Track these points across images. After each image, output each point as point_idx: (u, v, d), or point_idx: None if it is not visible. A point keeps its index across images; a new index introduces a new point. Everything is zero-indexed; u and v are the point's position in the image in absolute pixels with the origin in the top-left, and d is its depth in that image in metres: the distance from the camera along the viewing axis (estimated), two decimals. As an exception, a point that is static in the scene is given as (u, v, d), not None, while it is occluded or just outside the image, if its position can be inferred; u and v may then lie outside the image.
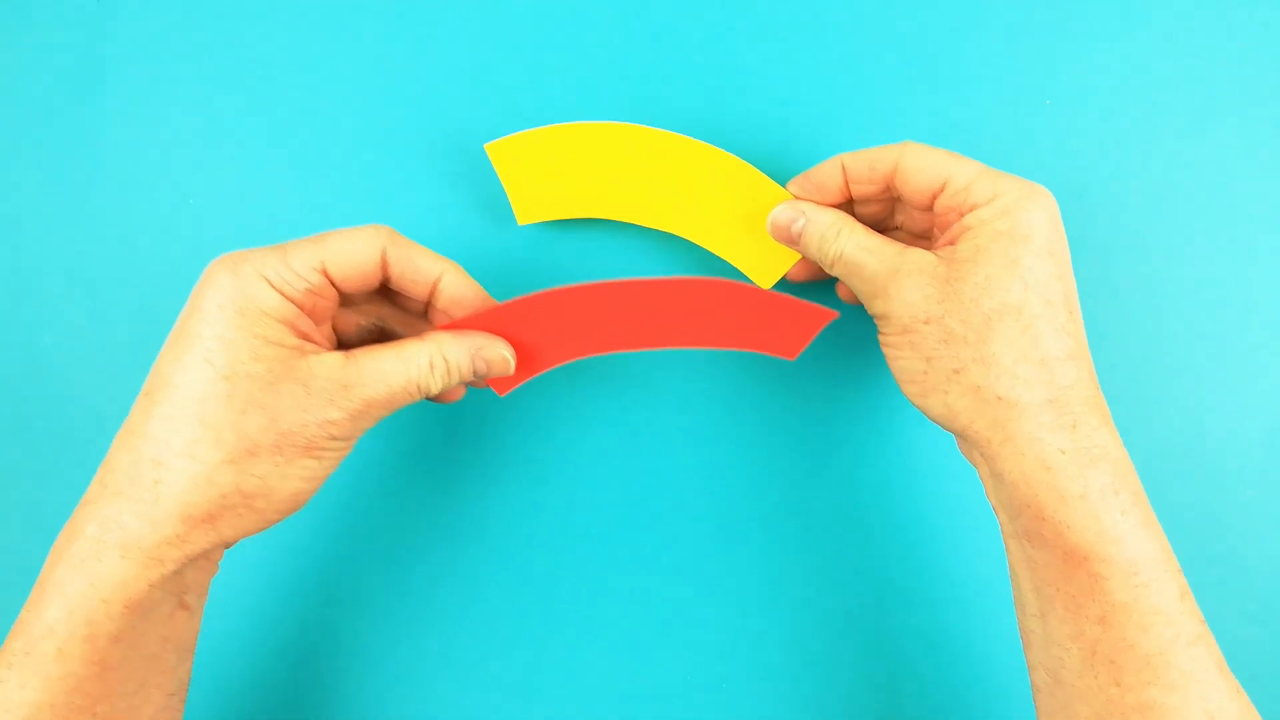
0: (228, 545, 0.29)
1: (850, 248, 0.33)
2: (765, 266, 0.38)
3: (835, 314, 0.34)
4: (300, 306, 0.29)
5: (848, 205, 0.36)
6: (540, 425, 0.40)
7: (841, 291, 0.38)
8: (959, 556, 0.39)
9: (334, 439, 0.29)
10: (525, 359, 0.34)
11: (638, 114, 0.40)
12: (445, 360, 0.31)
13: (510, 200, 0.38)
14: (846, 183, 0.34)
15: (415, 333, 0.34)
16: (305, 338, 0.29)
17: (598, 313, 0.33)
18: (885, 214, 0.36)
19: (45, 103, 0.41)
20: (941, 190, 0.32)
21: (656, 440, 0.40)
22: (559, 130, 0.37)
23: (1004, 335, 0.29)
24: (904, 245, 0.32)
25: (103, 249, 0.41)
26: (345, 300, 0.32)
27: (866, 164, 0.33)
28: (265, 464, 0.28)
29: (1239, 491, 0.39)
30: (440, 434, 0.41)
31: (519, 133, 0.37)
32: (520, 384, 0.35)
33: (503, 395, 0.35)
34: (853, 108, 0.40)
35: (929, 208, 0.33)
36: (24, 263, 0.41)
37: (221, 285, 0.28)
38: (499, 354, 0.33)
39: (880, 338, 0.33)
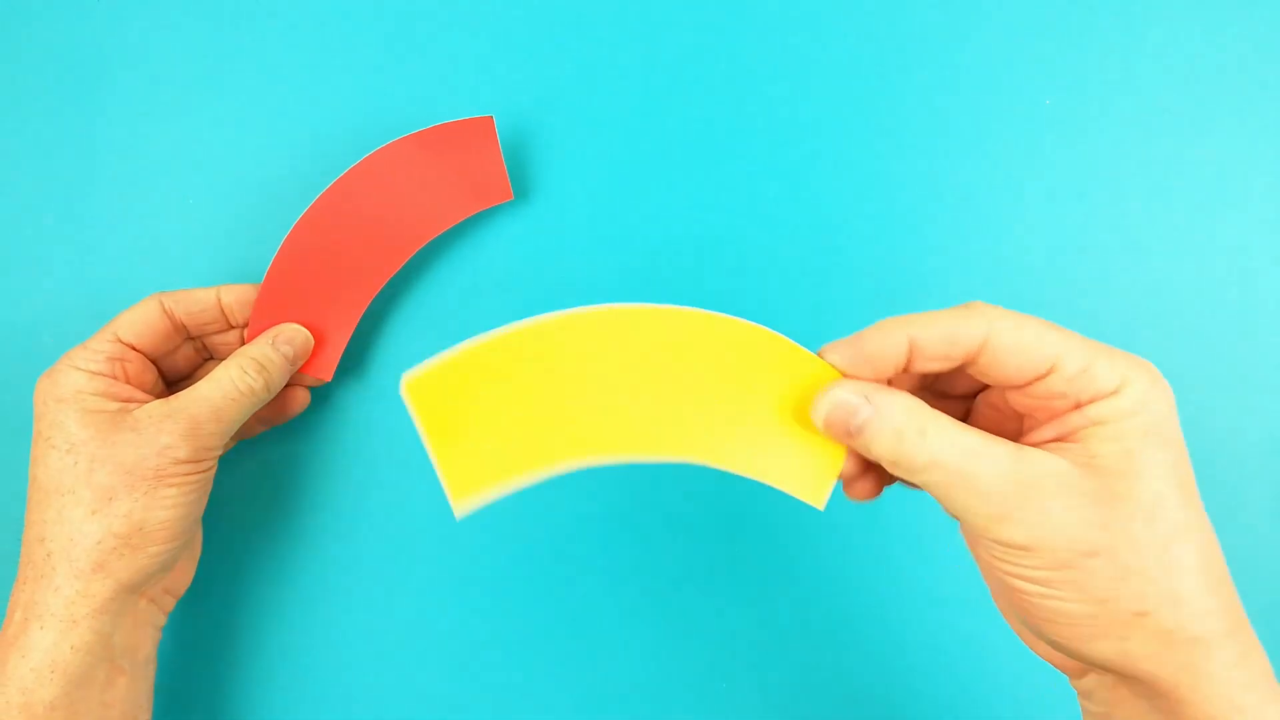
0: (132, 589, 0.32)
1: (947, 452, 0.25)
2: (811, 475, 0.27)
3: (489, 119, 0.36)
4: (110, 376, 0.33)
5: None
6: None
7: (856, 491, 0.29)
8: (960, 555, 0.39)
9: (179, 462, 0.32)
10: (325, 328, 0.38)
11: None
12: (251, 359, 0.35)
13: (443, 479, 0.25)
14: (911, 358, 0.26)
15: None
16: (127, 399, 0.33)
17: (336, 240, 0.37)
18: (921, 382, 0.30)
19: (45, 103, 0.41)
20: (1048, 374, 0.25)
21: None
22: (491, 342, 0.25)
23: (1188, 564, 0.24)
24: (1012, 443, 0.25)
25: (102, 249, 0.41)
26: (159, 359, 0.36)
27: (944, 338, 0.26)
28: (125, 503, 0.32)
29: (1240, 492, 0.39)
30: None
31: (437, 360, 0.25)
32: (338, 358, 0.38)
33: (329, 379, 0.38)
34: (850, 107, 0.40)
35: (1017, 388, 0.26)
36: (24, 263, 0.41)
37: (41, 388, 0.33)
38: (294, 332, 0.37)
39: (1004, 567, 0.25)
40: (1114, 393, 0.25)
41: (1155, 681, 0.25)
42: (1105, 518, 0.24)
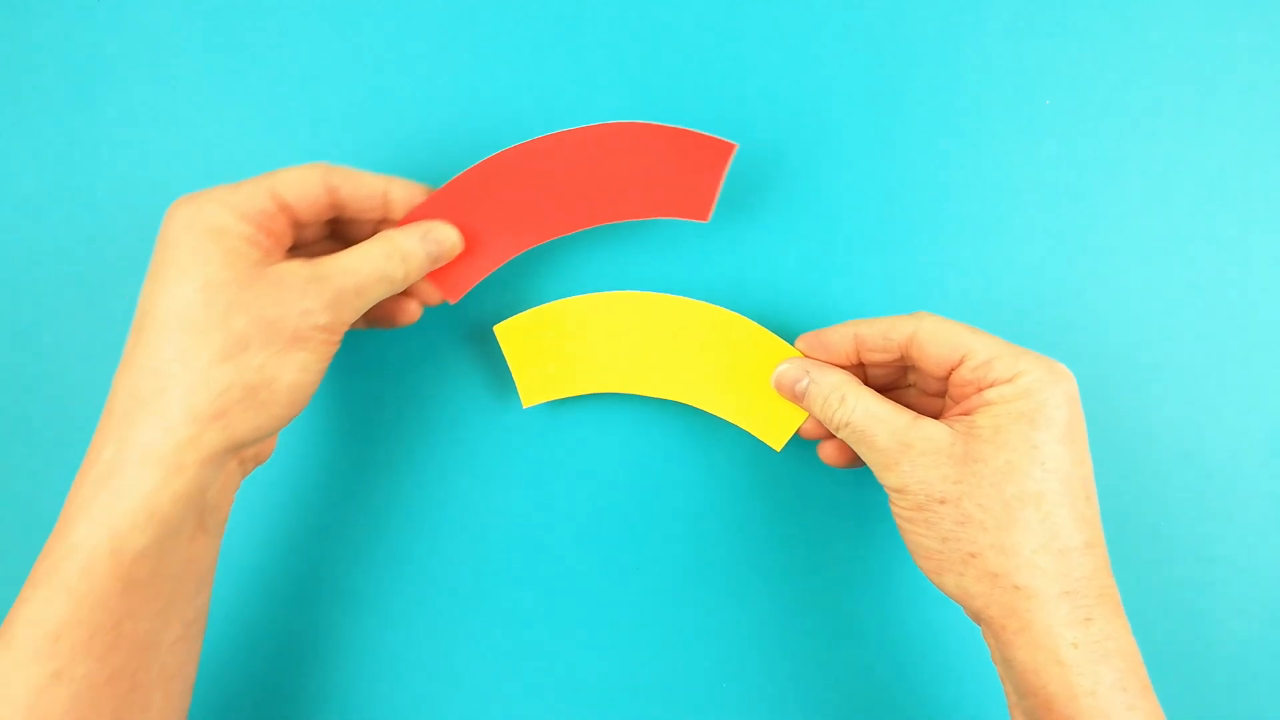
0: (241, 446, 0.30)
1: (859, 415, 0.32)
2: (775, 426, 0.37)
3: (734, 146, 0.36)
4: (257, 226, 0.31)
5: (859, 368, 0.36)
6: (541, 438, 0.41)
7: (824, 453, 0.37)
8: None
9: (317, 328, 0.31)
10: (474, 252, 0.37)
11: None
12: (398, 246, 0.33)
13: (516, 383, 0.38)
14: (858, 350, 0.34)
15: None
16: (266, 254, 0.31)
17: (527, 182, 0.37)
18: (898, 376, 0.36)
19: (45, 102, 0.41)
20: (960, 363, 0.32)
21: (657, 451, 0.40)
22: (566, 305, 0.38)
23: (1024, 523, 0.29)
24: (914, 414, 0.32)
25: (103, 248, 0.41)
26: (300, 231, 0.34)
27: (881, 333, 0.33)
28: (260, 355, 0.29)
29: (1239, 492, 0.39)
30: (448, 439, 0.41)
31: (527, 311, 0.38)
32: (473, 285, 0.37)
33: (455, 301, 0.38)
34: (852, 106, 0.40)
35: (945, 378, 0.33)
36: (23, 261, 0.41)
37: (184, 214, 0.30)
38: (446, 233, 0.35)
39: (892, 507, 0.33)
40: (1006, 381, 0.30)
41: (988, 620, 0.29)
42: (960, 474, 0.30)
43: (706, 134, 0.36)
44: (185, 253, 0.29)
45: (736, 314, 0.37)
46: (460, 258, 0.36)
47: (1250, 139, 0.40)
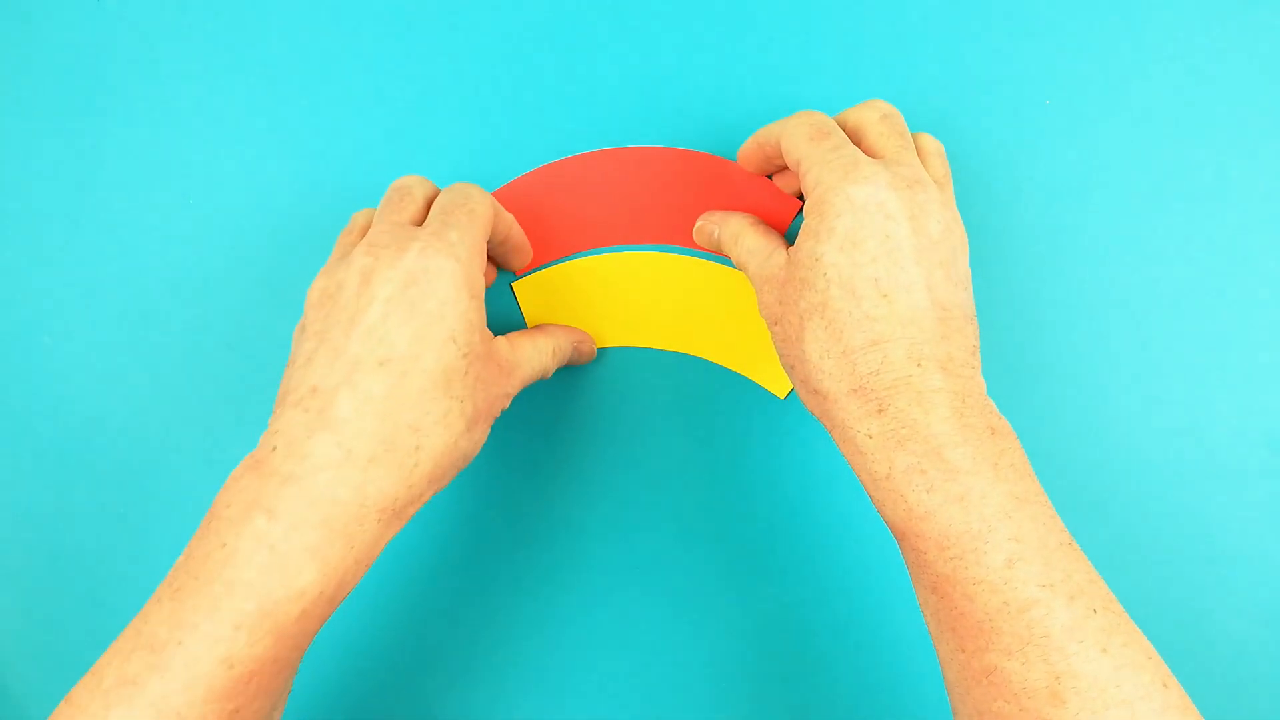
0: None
1: (743, 252, 0.35)
2: (779, 375, 0.40)
3: (799, 204, 0.37)
4: (486, 281, 0.33)
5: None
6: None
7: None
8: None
9: (503, 408, 0.34)
10: (542, 239, 0.40)
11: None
12: (560, 348, 0.37)
13: None
14: (767, 158, 0.36)
15: None
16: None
17: (604, 187, 0.39)
18: None
19: (45, 103, 0.41)
20: (798, 173, 0.33)
21: (656, 444, 0.41)
22: (581, 263, 0.40)
23: (813, 333, 0.31)
24: (776, 246, 0.34)
25: (103, 249, 0.41)
26: None
27: (771, 141, 0.35)
28: (479, 430, 0.32)
29: (1239, 491, 0.39)
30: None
31: (544, 269, 0.40)
32: (533, 267, 0.40)
33: (520, 272, 0.40)
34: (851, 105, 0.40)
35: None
36: (24, 263, 0.41)
37: (451, 270, 0.30)
38: (590, 347, 0.40)
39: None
40: (807, 195, 0.32)
41: (821, 420, 0.32)
42: (781, 296, 0.33)
43: (778, 186, 0.38)
44: (458, 313, 0.30)
45: (740, 271, 0.38)
46: (529, 241, 0.39)
47: (1250, 139, 0.40)
